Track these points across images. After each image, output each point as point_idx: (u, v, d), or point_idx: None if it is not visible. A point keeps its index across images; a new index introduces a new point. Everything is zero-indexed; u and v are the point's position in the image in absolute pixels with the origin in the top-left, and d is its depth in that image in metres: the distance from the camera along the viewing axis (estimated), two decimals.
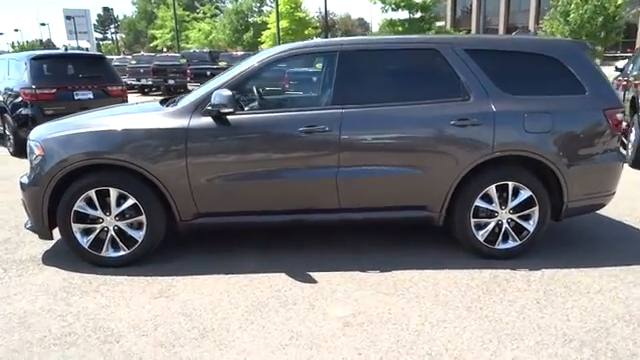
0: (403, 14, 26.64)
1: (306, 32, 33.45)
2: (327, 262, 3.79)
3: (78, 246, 3.69)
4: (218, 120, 3.58)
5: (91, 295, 3.32)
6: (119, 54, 47.16)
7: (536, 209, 3.81)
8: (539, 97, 3.79)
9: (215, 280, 3.52)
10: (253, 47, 37.35)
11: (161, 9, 46.95)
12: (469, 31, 40.39)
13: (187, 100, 3.76)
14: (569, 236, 4.46)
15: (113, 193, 3.62)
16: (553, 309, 3.16)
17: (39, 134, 3.79)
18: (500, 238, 3.86)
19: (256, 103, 3.85)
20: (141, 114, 3.92)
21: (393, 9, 25.94)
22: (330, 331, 2.89)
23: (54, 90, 7.91)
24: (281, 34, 30.17)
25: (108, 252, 3.71)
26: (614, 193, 4.07)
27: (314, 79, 3.91)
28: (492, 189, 3.77)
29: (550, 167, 3.75)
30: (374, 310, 3.13)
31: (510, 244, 3.88)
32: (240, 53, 24.25)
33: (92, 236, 3.68)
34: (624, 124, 4.65)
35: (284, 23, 31.66)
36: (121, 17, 75.72)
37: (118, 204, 3.65)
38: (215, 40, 42.22)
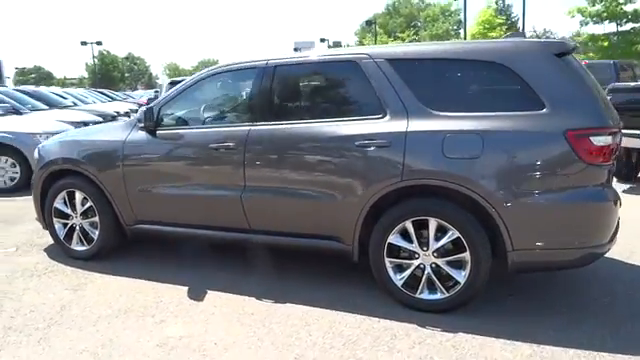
0: (609, 27, 22.55)
1: None
2: (237, 284, 3.65)
3: (57, 237, 4.36)
4: (148, 134, 3.84)
5: (32, 279, 3.88)
6: None
7: (467, 255, 3.01)
8: (471, 114, 3.01)
9: (124, 282, 3.75)
10: None
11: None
12: None
13: (135, 115, 4.12)
14: (560, 295, 3.36)
15: (78, 195, 4.19)
16: None
17: (42, 142, 4.63)
18: (423, 286, 3.16)
19: (184, 119, 3.96)
20: (107, 127, 4.43)
21: (595, 22, 22.12)
22: (135, 346, 2.85)
23: None
24: None
25: (76, 246, 4.28)
26: (604, 245, 2.95)
27: (242, 97, 3.84)
28: (409, 225, 3.12)
29: (480, 203, 2.93)
30: (207, 336, 2.94)
31: (438, 295, 3.14)
32: None
33: (65, 230, 4.31)
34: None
35: None
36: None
37: (82, 205, 4.20)
38: None
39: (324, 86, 3.58)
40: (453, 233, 3.02)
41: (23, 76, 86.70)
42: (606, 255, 4.00)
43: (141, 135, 3.88)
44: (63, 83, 71.44)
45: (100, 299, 3.49)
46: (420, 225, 3.11)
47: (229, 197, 3.57)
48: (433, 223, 3.06)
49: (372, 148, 3.13)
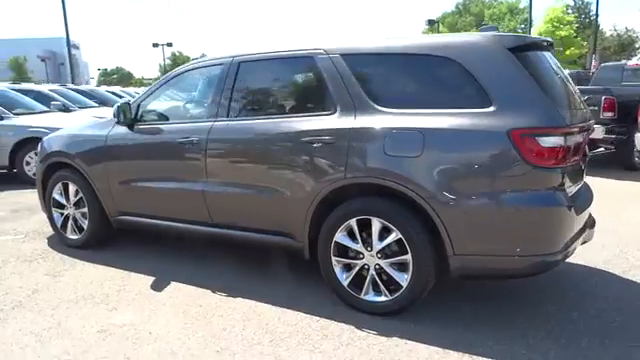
0: None
1: (567, 52, 28.98)
2: (203, 276, 3.73)
3: (55, 226, 4.65)
4: (127, 129, 4.01)
5: (23, 264, 4.16)
6: None
7: (409, 258, 2.89)
8: (416, 111, 2.88)
9: (102, 270, 3.94)
10: None
11: None
12: None
13: None
14: (525, 305, 3.14)
15: (71, 187, 4.44)
16: None
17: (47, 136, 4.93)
18: (368, 287, 3.08)
19: (159, 115, 4.05)
20: (96, 122, 4.62)
21: None
22: (78, 330, 2.98)
23: None
24: None
25: (70, 234, 4.55)
26: (555, 253, 2.72)
27: (210, 93, 3.87)
28: (354, 224, 3.05)
29: (420, 203, 2.81)
30: (147, 325, 3.03)
31: (382, 297, 3.05)
32: None
33: (62, 219, 4.59)
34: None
35: None
36: None
37: (75, 196, 4.45)
38: None
39: (283, 82, 3.56)
40: (396, 234, 2.92)
41: (106, 76, 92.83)
42: (603, 268, 3.76)
43: (121, 130, 4.05)
44: (141, 83, 75.81)
45: (72, 285, 3.69)
46: (366, 225, 3.03)
47: (193, 191, 3.65)
48: (376, 223, 2.97)
49: (319, 145, 3.09)
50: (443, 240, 2.79)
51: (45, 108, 9.18)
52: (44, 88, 10.85)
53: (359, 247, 3.06)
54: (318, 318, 3.06)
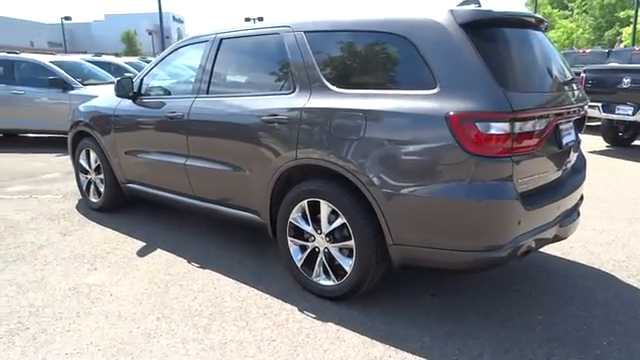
0: None
1: None
2: (189, 246, 3.91)
3: (81, 189, 5.08)
4: (131, 103, 4.24)
5: (46, 221, 4.60)
6: None
7: (352, 243, 2.81)
8: (365, 92, 2.75)
9: (107, 233, 4.25)
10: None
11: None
12: None
13: None
14: (491, 303, 2.94)
15: (92, 155, 4.82)
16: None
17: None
18: (319, 270, 3.05)
19: (158, 89, 4.19)
20: (110, 95, 4.85)
21: None
22: (52, 286, 3.27)
23: None
24: None
25: (92, 198, 4.95)
26: (499, 249, 2.49)
27: (196, 69, 3.92)
28: (305, 206, 3.02)
29: (360, 188, 2.70)
30: (112, 287, 3.24)
31: (330, 281, 3.01)
32: (588, 50, 21.01)
33: (86, 183, 5.00)
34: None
35: None
36: None
37: (95, 162, 4.82)
38: (577, 39, 37.02)
39: (255, 59, 3.52)
40: (342, 219, 2.84)
41: None
42: (608, 269, 3.40)
43: (126, 103, 4.29)
44: None
45: (73, 244, 4.03)
46: (317, 207, 2.98)
47: (178, 164, 3.80)
48: (324, 206, 2.91)
49: (276, 124, 3.06)
50: (382, 228, 2.68)
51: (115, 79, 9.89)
52: (121, 61, 11.72)
53: (310, 229, 3.03)
54: (268, 296, 3.10)
